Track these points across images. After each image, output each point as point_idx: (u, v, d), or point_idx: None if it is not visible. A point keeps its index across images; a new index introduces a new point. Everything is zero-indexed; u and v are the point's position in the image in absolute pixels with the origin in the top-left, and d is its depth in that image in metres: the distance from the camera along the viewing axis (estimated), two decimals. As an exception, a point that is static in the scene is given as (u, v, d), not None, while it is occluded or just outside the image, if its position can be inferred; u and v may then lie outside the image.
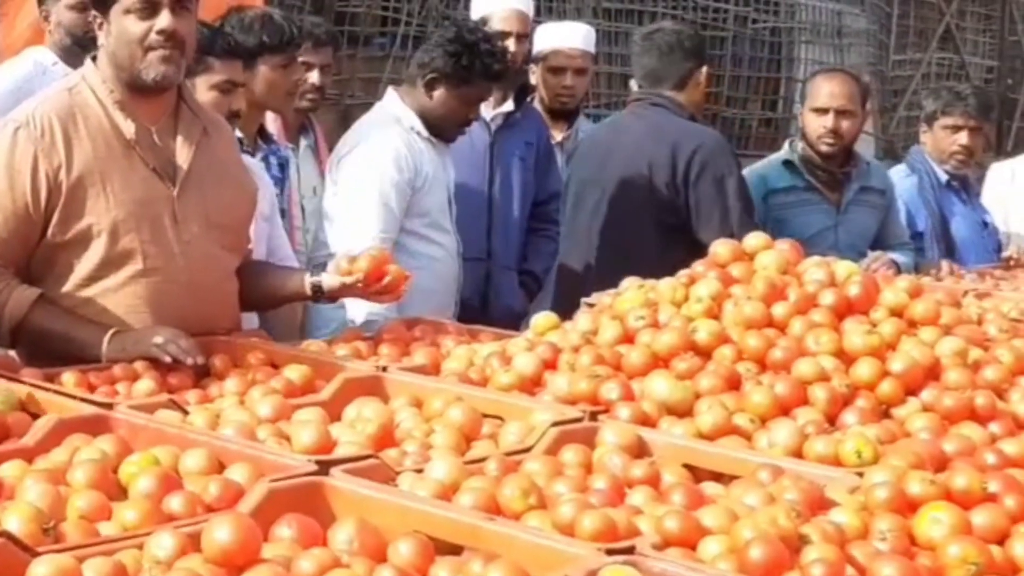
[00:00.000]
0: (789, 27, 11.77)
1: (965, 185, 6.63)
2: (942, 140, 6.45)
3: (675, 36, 5.43)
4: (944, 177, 6.47)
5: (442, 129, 5.21)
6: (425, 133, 5.17)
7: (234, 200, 3.95)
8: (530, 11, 6.25)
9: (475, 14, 6.16)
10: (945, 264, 5.80)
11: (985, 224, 6.62)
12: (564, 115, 6.31)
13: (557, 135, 6.26)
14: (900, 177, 6.43)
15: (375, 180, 5.04)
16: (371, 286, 3.87)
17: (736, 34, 11.39)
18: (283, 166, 5.25)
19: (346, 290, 3.93)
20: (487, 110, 5.82)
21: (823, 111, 5.67)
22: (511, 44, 5.98)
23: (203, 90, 4.36)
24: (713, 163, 5.19)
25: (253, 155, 4.96)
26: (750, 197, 5.31)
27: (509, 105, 5.91)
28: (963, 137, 6.43)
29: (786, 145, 5.90)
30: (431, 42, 5.25)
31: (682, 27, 5.88)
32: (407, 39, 9.85)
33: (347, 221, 5.07)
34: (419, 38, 10.25)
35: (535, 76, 6.29)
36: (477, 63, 5.09)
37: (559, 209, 5.74)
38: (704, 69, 5.45)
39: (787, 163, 5.76)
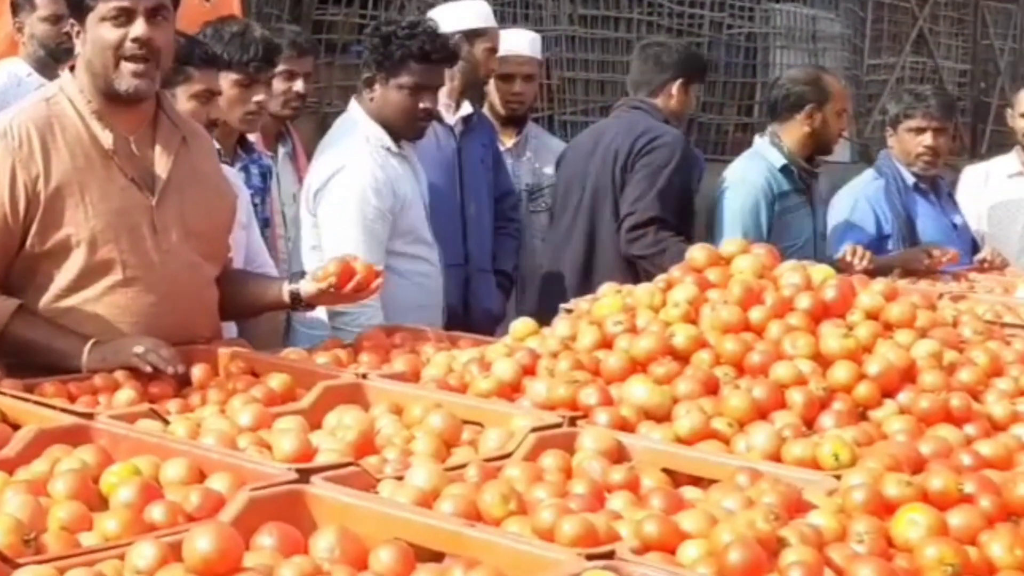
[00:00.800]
0: (764, 32, 11.79)
1: (934, 187, 6.64)
2: (907, 142, 6.47)
3: (658, 49, 5.87)
4: (911, 180, 6.49)
5: (399, 126, 5.10)
6: (391, 145, 5.09)
7: (213, 209, 3.96)
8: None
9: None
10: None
11: (955, 226, 6.63)
12: (513, 121, 6.36)
13: (507, 141, 6.32)
14: (867, 180, 6.50)
15: (356, 214, 4.95)
16: (343, 287, 3.88)
17: (711, 40, 11.40)
18: (265, 175, 5.26)
19: (322, 296, 3.94)
20: (448, 115, 5.81)
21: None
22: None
23: (183, 99, 4.39)
24: (658, 152, 5.50)
25: (232, 164, 4.97)
26: (679, 200, 5.61)
27: (467, 108, 5.89)
28: (927, 138, 6.45)
29: (765, 145, 5.97)
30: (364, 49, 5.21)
31: (670, 42, 6.30)
32: (384, 47, 9.82)
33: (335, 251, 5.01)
34: (396, 45, 10.26)
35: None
36: (398, 49, 4.99)
37: (515, 206, 6.02)
38: (679, 82, 5.76)
39: (785, 169, 5.88)
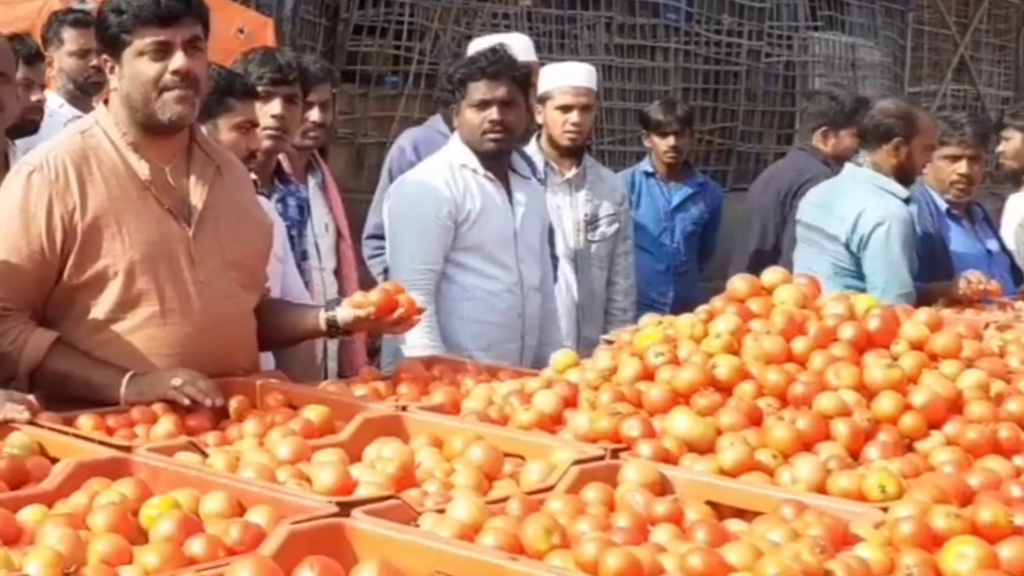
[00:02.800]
0: (803, 60, 11.78)
1: (968, 213, 6.62)
2: (941, 170, 6.44)
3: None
4: (944, 205, 6.48)
5: (473, 144, 5.26)
6: (481, 170, 5.25)
7: (250, 238, 3.96)
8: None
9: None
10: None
11: (989, 252, 6.60)
12: (572, 152, 6.38)
13: (566, 172, 6.36)
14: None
15: (411, 216, 5.17)
16: (383, 318, 3.89)
17: (750, 68, 11.41)
18: (302, 208, 5.26)
19: (360, 323, 3.94)
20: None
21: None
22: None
23: (224, 130, 4.43)
24: None
25: (268, 196, 4.97)
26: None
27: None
28: (962, 166, 6.42)
29: (877, 176, 6.08)
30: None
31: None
32: (419, 78, 9.89)
33: (391, 257, 5.25)
34: (431, 76, 10.31)
35: (540, 115, 6.36)
36: (457, 73, 5.25)
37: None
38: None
39: (907, 199, 6.07)
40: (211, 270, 3.79)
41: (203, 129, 4.19)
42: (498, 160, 5.29)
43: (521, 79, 5.30)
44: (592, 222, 6.34)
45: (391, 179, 5.99)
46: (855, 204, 6.01)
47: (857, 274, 5.92)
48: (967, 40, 13.03)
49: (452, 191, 5.18)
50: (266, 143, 4.99)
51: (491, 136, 5.23)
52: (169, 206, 3.75)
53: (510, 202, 5.32)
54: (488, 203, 5.23)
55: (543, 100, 6.31)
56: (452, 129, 5.49)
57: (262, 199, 4.62)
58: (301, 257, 5.25)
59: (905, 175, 6.06)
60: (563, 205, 6.29)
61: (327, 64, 6.37)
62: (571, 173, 6.35)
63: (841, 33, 12.23)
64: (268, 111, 4.98)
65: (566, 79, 6.34)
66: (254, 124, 4.60)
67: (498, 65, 5.22)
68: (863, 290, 5.42)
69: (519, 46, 6.07)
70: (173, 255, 3.74)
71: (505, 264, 5.28)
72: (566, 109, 6.29)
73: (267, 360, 4.31)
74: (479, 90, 5.20)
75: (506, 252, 5.29)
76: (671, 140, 7.37)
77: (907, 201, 6.02)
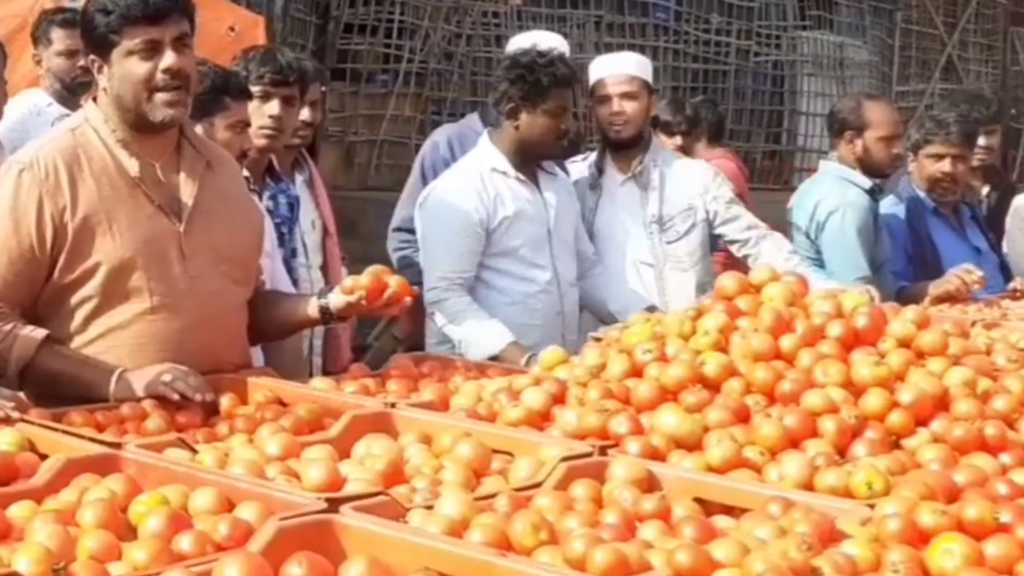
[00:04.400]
0: (791, 60, 11.80)
1: (955, 212, 6.64)
2: (927, 168, 6.45)
3: None
4: (931, 204, 6.50)
5: (546, 149, 5.31)
6: (512, 172, 5.27)
7: (242, 232, 3.97)
8: (646, 74, 6.06)
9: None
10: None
11: (978, 250, 6.62)
12: (626, 146, 5.97)
13: (627, 171, 5.97)
14: (887, 206, 6.47)
15: (443, 226, 5.20)
16: (375, 301, 3.93)
17: (738, 67, 11.43)
18: (292, 205, 5.27)
19: (352, 308, 3.96)
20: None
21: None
22: (614, 105, 5.89)
23: (220, 129, 4.43)
24: None
25: (260, 194, 4.98)
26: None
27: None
28: (946, 164, 6.42)
29: (843, 169, 6.16)
30: (496, 80, 5.37)
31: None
32: (409, 76, 9.90)
33: (424, 262, 5.27)
34: (421, 75, 10.32)
35: (595, 113, 6.14)
36: (542, 76, 5.21)
37: None
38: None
39: (871, 190, 6.16)
40: (202, 266, 3.79)
41: (199, 128, 4.20)
42: (532, 162, 5.33)
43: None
44: (663, 222, 5.92)
45: (423, 174, 5.99)
46: (816, 195, 6.19)
47: (819, 262, 6.01)
48: (955, 39, 13.05)
49: (483, 200, 5.20)
50: (261, 142, 5.00)
51: (562, 143, 5.38)
52: (160, 202, 3.76)
53: (542, 201, 5.34)
54: (520, 206, 5.26)
55: (592, 94, 6.07)
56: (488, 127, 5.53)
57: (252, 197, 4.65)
58: (291, 254, 5.25)
59: (868, 167, 6.14)
60: (628, 207, 5.94)
61: (317, 63, 6.36)
62: (634, 170, 5.97)
63: (829, 32, 12.24)
64: (266, 111, 4.99)
65: (603, 70, 6.04)
66: (247, 124, 4.61)
67: (575, 76, 5.35)
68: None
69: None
70: (164, 251, 3.74)
71: (540, 264, 5.33)
72: (603, 100, 5.96)
73: (257, 357, 4.32)
74: (560, 97, 5.24)
75: (541, 252, 5.32)
76: (678, 140, 7.30)
77: (872, 192, 6.10)
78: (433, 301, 5.11)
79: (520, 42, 6.00)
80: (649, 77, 6.07)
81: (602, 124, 6.02)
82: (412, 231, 5.90)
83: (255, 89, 4.95)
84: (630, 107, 5.93)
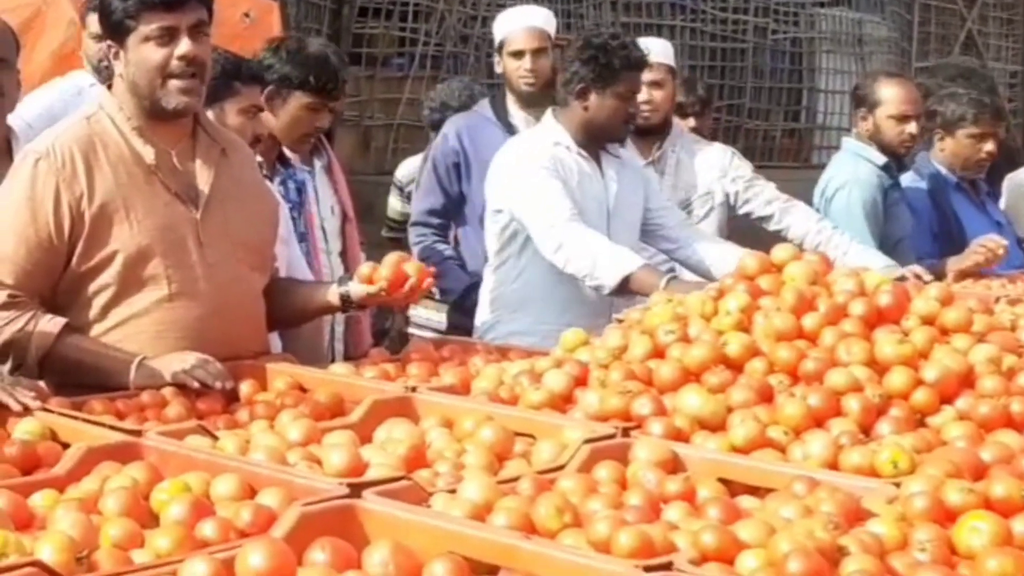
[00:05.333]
0: (810, 37, 11.75)
1: (974, 186, 6.65)
2: (967, 147, 6.45)
3: None
4: (953, 180, 6.52)
5: (613, 131, 5.28)
6: (575, 149, 5.23)
7: (258, 219, 3.97)
8: (549, 27, 6.18)
9: (496, 40, 6.17)
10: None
11: (999, 224, 6.63)
12: (650, 132, 6.02)
13: (648, 154, 6.01)
14: (907, 182, 6.46)
15: (534, 172, 5.10)
16: (395, 291, 3.91)
17: (756, 45, 11.38)
18: (300, 190, 5.28)
19: (372, 298, 3.95)
20: (527, 131, 5.87)
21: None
22: (527, 62, 5.98)
23: (231, 114, 4.43)
24: None
25: (271, 179, 4.99)
26: None
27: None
28: (990, 145, 6.46)
29: (860, 145, 6.16)
30: (567, 60, 5.30)
31: None
32: (425, 59, 9.89)
33: (534, 213, 5.09)
34: (437, 58, 10.30)
35: None
36: (614, 58, 5.17)
37: None
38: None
39: (886, 166, 6.14)
40: (220, 252, 3.79)
41: (210, 113, 4.19)
42: (597, 142, 5.29)
43: None
44: (682, 207, 5.90)
45: (434, 166, 6.00)
46: (829, 172, 6.26)
47: None
48: (974, 14, 12.99)
49: (554, 160, 5.16)
50: (302, 145, 5.12)
51: (628, 125, 5.35)
52: (176, 190, 3.75)
53: (603, 182, 5.30)
54: (583, 179, 5.22)
55: None
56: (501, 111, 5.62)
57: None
58: (299, 239, 5.27)
59: (880, 144, 6.14)
60: None
61: (338, 51, 6.33)
62: (653, 155, 6.03)
63: (848, 9, 12.20)
64: (315, 121, 5.09)
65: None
66: (260, 109, 4.61)
67: (645, 60, 5.29)
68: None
69: (542, 21, 6.11)
70: (181, 239, 3.73)
71: None
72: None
73: (275, 343, 4.32)
74: (630, 81, 5.21)
75: (598, 228, 5.20)
76: (691, 121, 7.26)
77: (887, 168, 6.09)
78: (556, 242, 4.96)
79: (507, 16, 6.14)
80: (672, 61, 6.13)
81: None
82: (430, 225, 5.92)
83: (310, 100, 5.02)
84: (657, 95, 5.99)
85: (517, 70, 6.02)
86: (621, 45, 5.21)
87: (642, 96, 5.84)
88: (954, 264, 5.88)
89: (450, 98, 7.25)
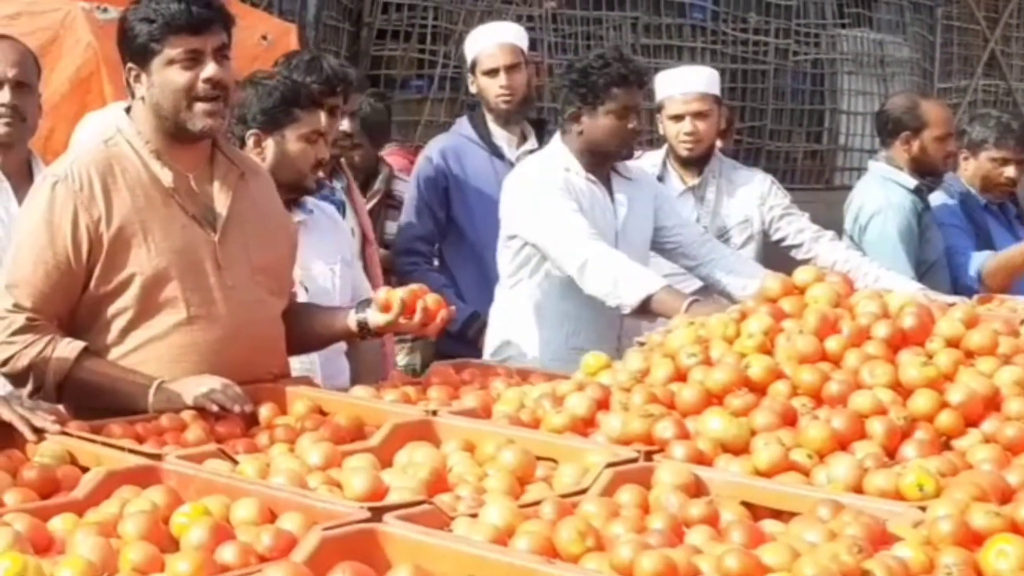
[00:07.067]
0: (831, 58, 11.74)
1: (1002, 207, 6.68)
2: (989, 170, 6.52)
3: None
4: (982, 200, 6.56)
5: (612, 149, 5.26)
6: (582, 172, 5.22)
7: (276, 243, 3.96)
8: (521, 42, 6.12)
9: (468, 59, 6.13)
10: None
11: None
12: (694, 162, 6.01)
13: (688, 181, 6.00)
14: (939, 202, 6.47)
15: (547, 193, 5.11)
16: (409, 318, 3.91)
17: (777, 67, 11.36)
18: (339, 210, 5.28)
19: (390, 326, 3.96)
20: (511, 151, 5.91)
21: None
22: (502, 79, 5.95)
23: (292, 141, 4.44)
24: None
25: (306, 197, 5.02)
26: None
27: (532, 143, 5.96)
28: (1011, 170, 6.53)
29: (888, 169, 6.21)
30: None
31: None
32: (444, 81, 9.89)
33: (555, 235, 5.07)
34: (456, 79, 10.30)
35: (661, 126, 6.09)
36: (598, 78, 5.16)
37: None
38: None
39: (917, 189, 6.18)
40: (238, 276, 3.78)
41: (270, 141, 4.21)
42: (603, 164, 5.29)
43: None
44: (719, 235, 5.89)
45: (422, 191, 5.95)
46: (860, 198, 6.26)
47: None
48: (997, 34, 12.96)
49: (564, 179, 5.16)
50: (333, 151, 5.07)
51: (631, 143, 5.36)
52: (194, 213, 3.75)
53: (612, 205, 5.28)
54: (593, 203, 5.20)
55: (659, 110, 6.08)
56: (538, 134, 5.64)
57: (326, 205, 4.89)
58: None
59: (923, 167, 6.19)
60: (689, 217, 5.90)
61: (358, 71, 6.34)
62: (693, 182, 6.01)
63: (869, 30, 12.17)
64: (340, 127, 5.14)
65: (676, 87, 6.01)
66: (320, 133, 4.58)
67: (637, 74, 5.27)
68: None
69: (513, 37, 6.10)
70: (199, 262, 3.73)
71: None
72: (678, 119, 5.95)
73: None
74: (620, 96, 5.18)
75: None
76: (717, 143, 7.25)
77: (918, 191, 6.12)
78: (581, 261, 4.93)
79: (477, 34, 6.14)
80: (718, 91, 6.10)
81: (671, 140, 6.01)
82: (419, 252, 5.88)
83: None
84: (703, 126, 5.96)
85: (493, 88, 5.99)
86: (604, 64, 5.20)
87: (686, 127, 5.89)
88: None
89: None
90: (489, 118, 6.04)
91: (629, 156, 5.40)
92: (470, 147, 5.95)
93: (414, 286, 4.00)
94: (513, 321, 5.24)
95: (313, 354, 4.42)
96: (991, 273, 6.09)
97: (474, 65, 6.05)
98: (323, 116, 4.87)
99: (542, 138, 5.99)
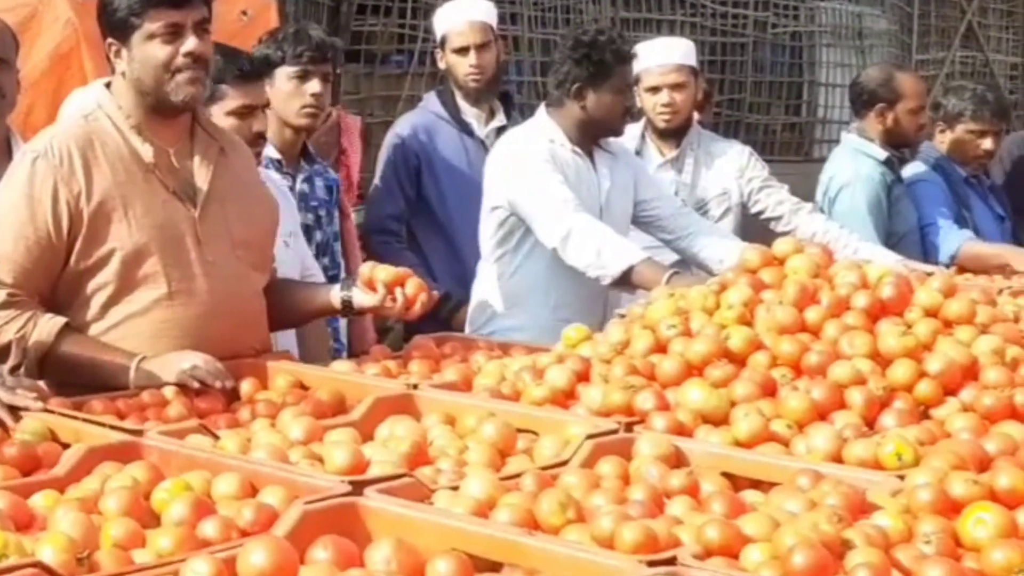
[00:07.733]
0: (810, 31, 11.72)
1: (979, 179, 6.70)
2: (966, 143, 6.52)
3: None
4: (962, 173, 6.57)
5: (614, 126, 5.26)
6: (569, 146, 5.20)
7: (257, 218, 3.96)
8: (490, 19, 6.07)
9: (438, 35, 6.07)
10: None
11: (1002, 218, 6.71)
12: (672, 133, 6.01)
13: (666, 153, 6.00)
14: (915, 169, 6.51)
15: (533, 166, 5.07)
16: (394, 304, 3.90)
17: (756, 39, 11.34)
18: (331, 188, 5.26)
19: (374, 308, 3.96)
20: (480, 128, 5.89)
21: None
22: (472, 57, 5.88)
23: (219, 118, 4.36)
24: None
25: (294, 176, 4.99)
26: None
27: (501, 119, 5.94)
28: (988, 142, 6.53)
29: (860, 141, 6.24)
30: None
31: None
32: (424, 56, 9.84)
33: (539, 205, 5.02)
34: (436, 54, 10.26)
35: (640, 99, 6.00)
36: (607, 54, 5.15)
37: None
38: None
39: (887, 161, 6.21)
40: (219, 251, 3.78)
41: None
42: (596, 139, 5.28)
43: None
44: (697, 207, 5.88)
45: (394, 169, 5.91)
46: (830, 170, 6.31)
47: None
48: (974, 6, 12.93)
49: (550, 151, 5.14)
50: (303, 121, 5.10)
51: (626, 119, 5.33)
52: (174, 188, 3.75)
53: (596, 179, 5.27)
54: (578, 176, 5.18)
55: (636, 82, 5.92)
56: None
57: (274, 176, 4.77)
58: (333, 237, 5.26)
59: (896, 139, 6.24)
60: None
61: (331, 39, 6.29)
62: (672, 154, 6.01)
63: (847, 2, 12.15)
64: (307, 90, 5.07)
65: (652, 59, 5.97)
66: (251, 108, 4.51)
67: (630, 50, 5.29)
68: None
69: (483, 14, 6.05)
70: (180, 237, 3.73)
71: None
72: (655, 91, 5.95)
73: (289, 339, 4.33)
74: (624, 75, 5.20)
75: None
76: (695, 115, 7.25)
77: (889, 163, 6.16)
78: (564, 231, 4.89)
79: (447, 10, 6.08)
80: (695, 62, 6.10)
81: (649, 112, 6.01)
82: (391, 231, 5.84)
83: (292, 69, 5.01)
84: (680, 97, 5.96)
85: (463, 67, 5.93)
86: (610, 40, 5.20)
87: (663, 98, 5.90)
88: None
89: None
90: (458, 95, 5.98)
91: (621, 132, 5.40)
92: (440, 124, 5.90)
93: (400, 269, 3.98)
94: (498, 295, 5.23)
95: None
96: (966, 260, 6.08)
97: (443, 41, 5.98)
98: (299, 85, 4.97)
99: (509, 112, 5.98)
